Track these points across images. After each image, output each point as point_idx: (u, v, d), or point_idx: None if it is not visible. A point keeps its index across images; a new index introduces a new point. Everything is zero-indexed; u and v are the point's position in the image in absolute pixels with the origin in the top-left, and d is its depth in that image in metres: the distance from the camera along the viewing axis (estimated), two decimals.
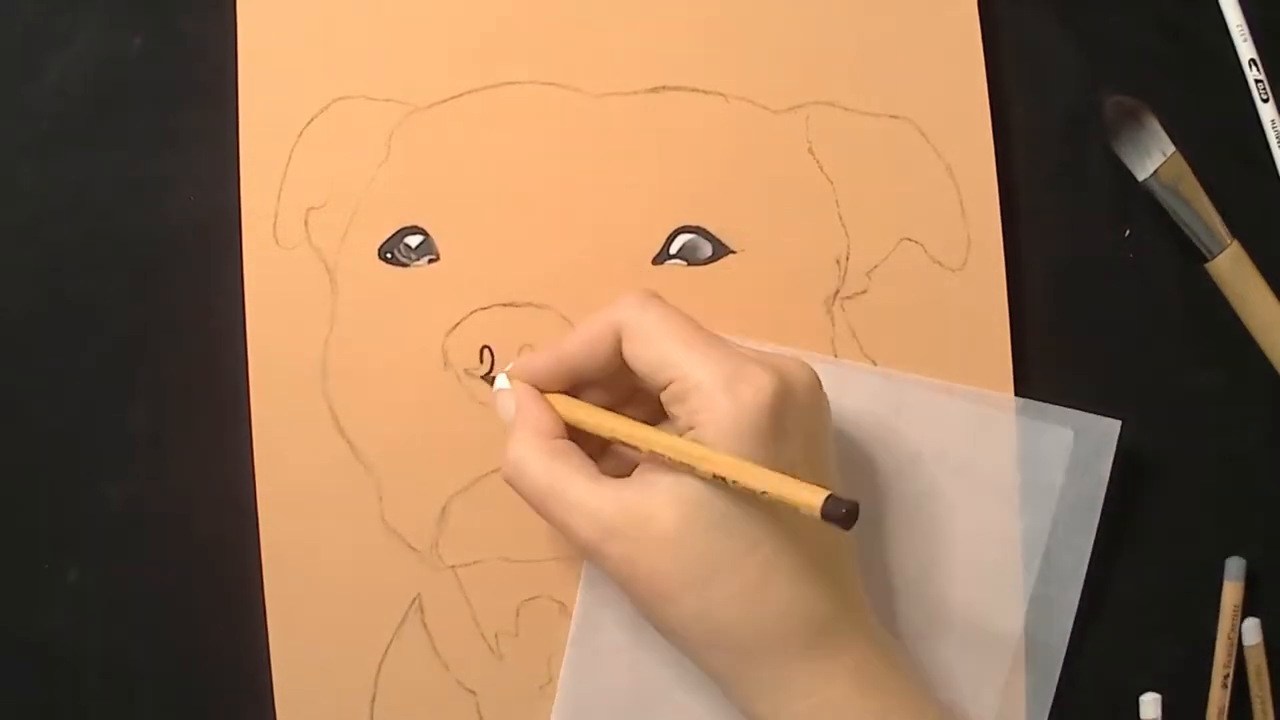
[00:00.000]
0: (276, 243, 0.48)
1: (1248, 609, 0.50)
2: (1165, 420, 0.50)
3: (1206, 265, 0.50)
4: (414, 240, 0.48)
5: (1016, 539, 0.48)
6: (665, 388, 0.42)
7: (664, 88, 0.49)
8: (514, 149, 0.49)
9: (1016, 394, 0.49)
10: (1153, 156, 0.50)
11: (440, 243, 0.48)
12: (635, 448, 0.42)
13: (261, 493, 0.47)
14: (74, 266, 0.49)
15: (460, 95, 0.49)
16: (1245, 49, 0.51)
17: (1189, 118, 0.50)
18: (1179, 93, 0.51)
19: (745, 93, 0.49)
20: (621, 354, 0.43)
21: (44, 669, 0.48)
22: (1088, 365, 0.50)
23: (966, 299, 0.49)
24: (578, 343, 0.44)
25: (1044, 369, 0.49)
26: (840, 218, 0.49)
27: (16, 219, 0.49)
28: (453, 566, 0.48)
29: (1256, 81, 0.50)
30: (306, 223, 0.48)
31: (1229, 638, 0.49)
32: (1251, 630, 0.50)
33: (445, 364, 0.48)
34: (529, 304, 0.48)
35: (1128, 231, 0.51)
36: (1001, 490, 0.48)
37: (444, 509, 0.48)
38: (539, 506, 0.43)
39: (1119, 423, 0.48)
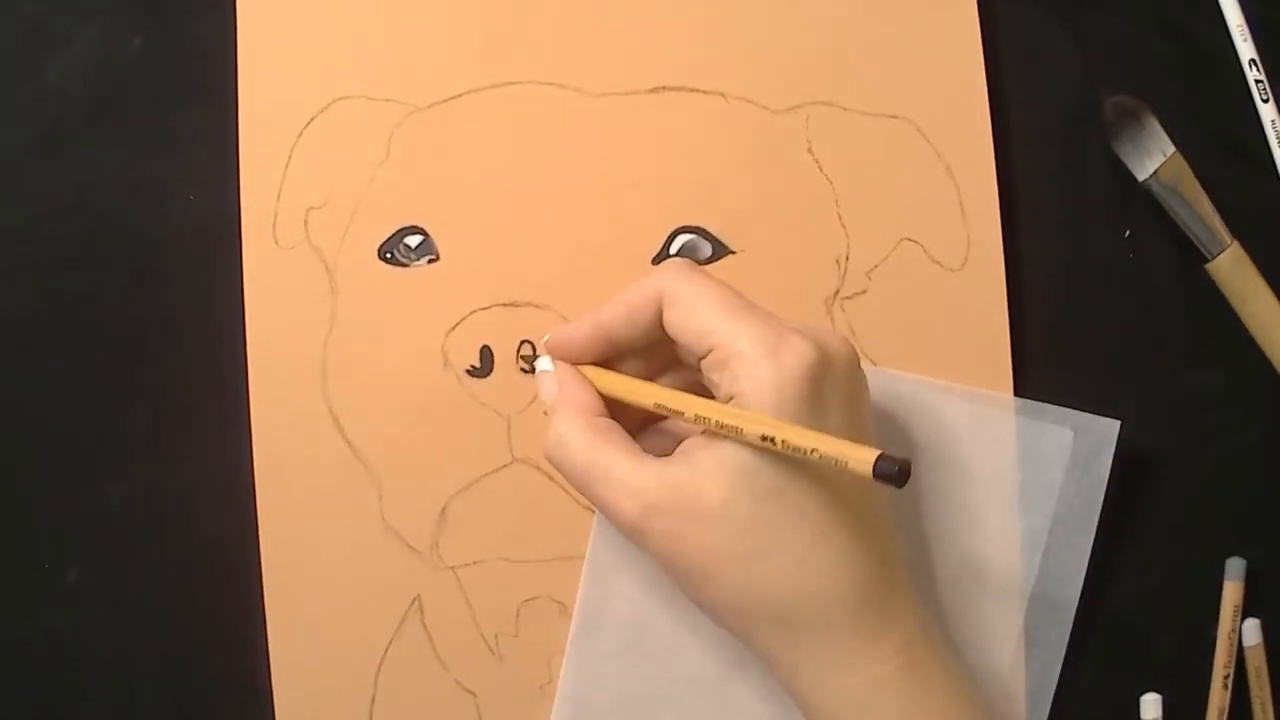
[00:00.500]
0: (276, 243, 0.48)
1: (1248, 609, 0.50)
2: (1165, 420, 0.50)
3: (1206, 265, 0.50)
4: (414, 240, 0.48)
5: (1016, 539, 0.48)
6: (706, 355, 0.41)
7: (664, 88, 0.49)
8: (514, 149, 0.49)
9: (1016, 394, 0.49)
10: (1153, 156, 0.50)
11: (440, 243, 0.48)
12: (680, 413, 0.41)
13: (261, 493, 0.47)
14: (74, 266, 0.49)
15: (460, 95, 0.49)
16: (1245, 49, 0.51)
17: (1189, 118, 0.50)
18: (1179, 93, 0.51)
19: (745, 93, 0.49)
20: (661, 323, 0.43)
21: (44, 669, 0.48)
22: (1088, 365, 0.50)
23: (966, 299, 0.49)
24: (618, 310, 0.43)
25: (1044, 369, 0.49)
26: (840, 218, 0.49)
27: (16, 219, 0.49)
28: (452, 567, 0.48)
29: (1256, 81, 0.50)
30: (306, 223, 0.48)
31: (1229, 638, 0.49)
32: (1251, 630, 0.50)
33: (445, 364, 0.48)
34: (529, 304, 0.48)
35: (1128, 232, 0.51)
36: (1001, 490, 0.48)
37: (444, 509, 0.48)
38: (581, 484, 0.42)
39: (1118, 423, 0.48)
